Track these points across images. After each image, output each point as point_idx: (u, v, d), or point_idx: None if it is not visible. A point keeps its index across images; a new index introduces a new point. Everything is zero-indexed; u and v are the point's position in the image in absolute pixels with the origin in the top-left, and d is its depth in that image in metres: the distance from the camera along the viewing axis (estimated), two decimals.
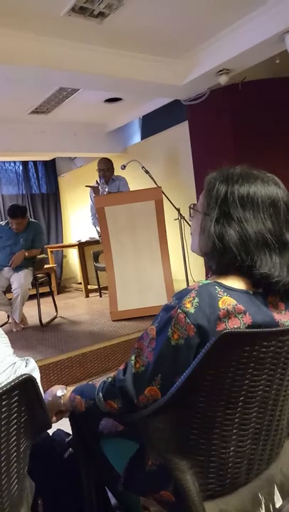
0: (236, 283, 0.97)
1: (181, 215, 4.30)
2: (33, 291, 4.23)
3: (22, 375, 0.82)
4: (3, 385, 0.78)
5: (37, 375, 1.09)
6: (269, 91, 4.22)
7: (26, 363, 1.10)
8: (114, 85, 3.95)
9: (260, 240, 0.95)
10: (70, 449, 1.34)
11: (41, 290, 4.45)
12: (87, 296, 5.92)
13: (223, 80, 3.86)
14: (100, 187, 4.73)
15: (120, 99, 4.90)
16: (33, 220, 4.74)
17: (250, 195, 0.98)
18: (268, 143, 4.18)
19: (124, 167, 4.59)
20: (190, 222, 1.20)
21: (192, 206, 1.12)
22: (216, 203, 1.01)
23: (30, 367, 1.11)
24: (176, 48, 3.71)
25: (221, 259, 0.99)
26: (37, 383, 0.87)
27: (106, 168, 4.81)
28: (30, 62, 3.22)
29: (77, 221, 7.28)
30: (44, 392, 1.17)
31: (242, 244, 0.96)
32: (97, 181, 4.82)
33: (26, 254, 4.12)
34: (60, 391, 1.19)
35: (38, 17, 2.95)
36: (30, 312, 4.31)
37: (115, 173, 4.95)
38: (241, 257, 0.96)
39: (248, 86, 4.20)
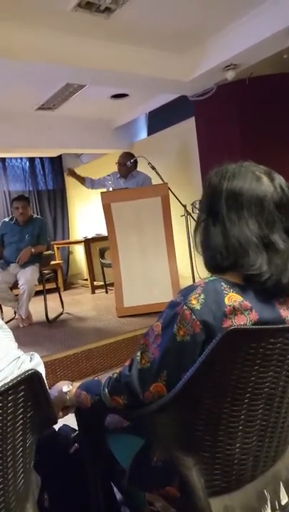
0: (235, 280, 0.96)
1: (187, 211, 4.27)
2: (40, 287, 4.24)
3: (28, 370, 0.82)
4: (8, 379, 0.79)
5: (42, 370, 1.09)
6: (276, 86, 4.19)
7: (31, 358, 1.10)
8: (121, 81, 3.94)
9: (243, 242, 0.94)
10: (76, 444, 1.35)
11: (48, 286, 4.46)
12: (93, 292, 5.93)
13: (230, 75, 3.84)
14: (106, 182, 4.72)
15: (127, 95, 4.88)
16: (38, 216, 4.75)
17: (236, 193, 0.97)
18: (275, 139, 4.15)
19: (130, 163, 4.58)
20: None
21: (194, 203, 1.13)
22: (206, 202, 1.04)
23: (35, 361, 1.10)
24: (183, 43, 3.69)
25: (210, 257, 1.01)
26: (43, 378, 0.87)
27: (120, 162, 4.69)
28: (36, 57, 3.21)
29: (84, 218, 7.29)
30: (50, 387, 1.17)
31: (225, 245, 0.96)
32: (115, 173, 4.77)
33: (33, 250, 4.13)
34: (66, 387, 1.20)
35: (44, 12, 2.94)
36: (37, 308, 4.32)
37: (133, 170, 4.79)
38: (225, 257, 0.96)
39: (255, 81, 4.17)
